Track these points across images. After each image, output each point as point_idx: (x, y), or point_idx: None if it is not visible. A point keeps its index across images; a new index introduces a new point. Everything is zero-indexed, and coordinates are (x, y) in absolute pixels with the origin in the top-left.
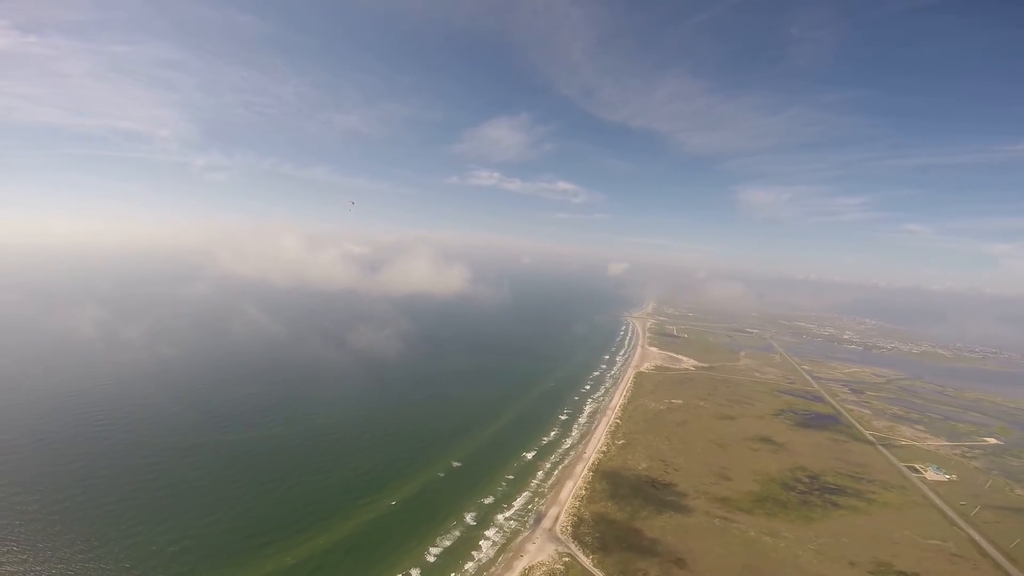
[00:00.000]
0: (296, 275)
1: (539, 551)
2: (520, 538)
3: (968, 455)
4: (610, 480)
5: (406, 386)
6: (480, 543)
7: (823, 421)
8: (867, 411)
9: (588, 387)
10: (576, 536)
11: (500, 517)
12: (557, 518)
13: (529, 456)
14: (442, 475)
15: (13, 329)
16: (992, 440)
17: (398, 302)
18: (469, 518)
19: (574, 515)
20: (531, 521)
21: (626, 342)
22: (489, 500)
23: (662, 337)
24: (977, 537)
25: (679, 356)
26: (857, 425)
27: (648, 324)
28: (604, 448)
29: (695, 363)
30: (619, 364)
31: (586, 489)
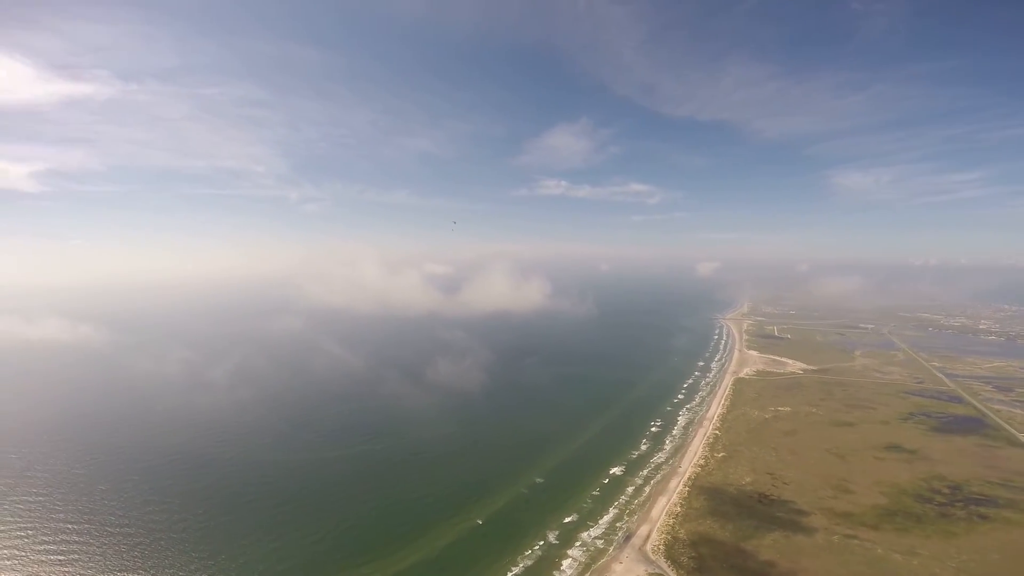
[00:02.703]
0: (380, 300)
1: (626, 572)
2: (605, 558)
3: None
4: (709, 496)
5: (489, 403)
6: (562, 563)
7: (964, 424)
8: (1020, 411)
9: (681, 396)
10: (670, 556)
11: (584, 535)
12: (648, 537)
13: (617, 471)
14: (525, 491)
15: (143, 361)
16: None
17: (479, 322)
18: (552, 537)
19: (668, 534)
20: (619, 540)
21: (721, 346)
22: (572, 518)
23: (762, 339)
24: None
25: (783, 359)
26: (1008, 427)
27: (745, 325)
28: (702, 462)
29: (803, 366)
30: (715, 371)
31: (682, 506)
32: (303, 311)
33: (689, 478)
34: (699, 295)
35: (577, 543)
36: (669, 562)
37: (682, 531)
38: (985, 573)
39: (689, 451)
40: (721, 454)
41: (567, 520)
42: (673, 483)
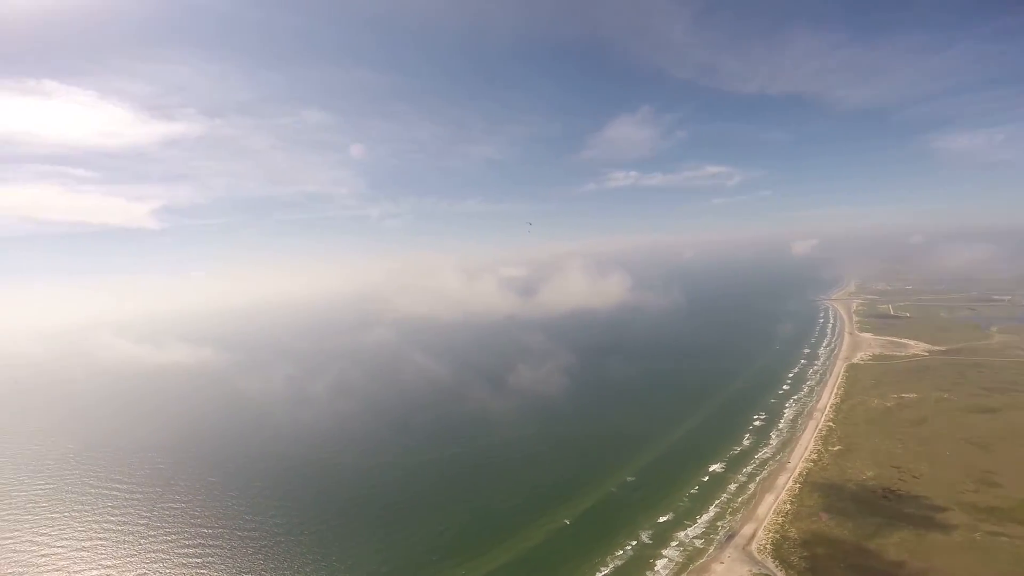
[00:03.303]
0: (461, 307)
1: (728, 572)
2: (704, 557)
3: None
4: (824, 492)
5: (573, 402)
6: (656, 563)
7: None
8: None
9: (786, 387)
10: (778, 556)
11: (681, 535)
12: (753, 536)
13: (717, 468)
14: (615, 491)
15: (255, 380)
16: None
17: (558, 321)
18: (645, 536)
19: (776, 532)
20: (720, 539)
21: (829, 329)
22: (667, 517)
23: (876, 319)
24: None
25: (903, 340)
26: None
27: (854, 305)
28: (814, 456)
29: (927, 347)
30: (823, 357)
31: (792, 503)
32: (391, 323)
33: (800, 474)
34: (797, 276)
35: (673, 543)
36: (777, 562)
37: (792, 530)
38: None
39: (799, 445)
40: (837, 447)
41: (662, 519)
42: (781, 479)
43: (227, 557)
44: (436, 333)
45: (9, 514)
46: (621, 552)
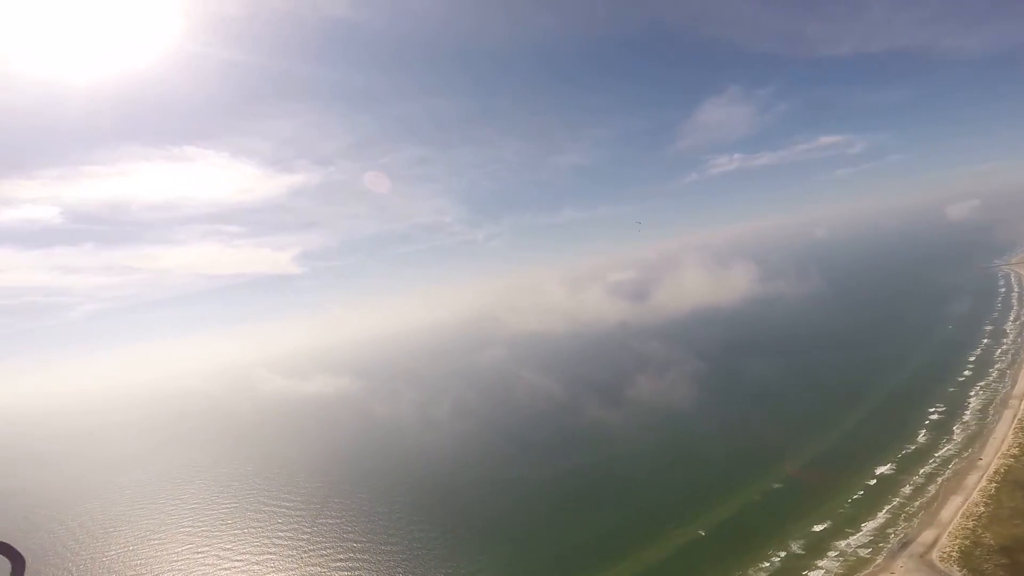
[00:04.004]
0: (570, 319)
1: None
2: (870, 567)
3: None
4: None
5: (703, 407)
6: (807, 573)
7: None
8: None
9: (968, 373)
10: (967, 564)
11: (841, 544)
12: (935, 543)
13: (885, 470)
14: (758, 499)
15: (386, 405)
16: None
17: (676, 323)
18: (795, 547)
19: (966, 538)
20: (891, 547)
21: (1014, 300)
22: (824, 526)
23: None
24: None
25: None
26: None
27: None
28: (1015, 450)
29: None
30: (1012, 335)
31: (986, 506)
32: (504, 341)
33: (996, 472)
34: (960, 243)
35: (831, 552)
36: (966, 571)
37: (987, 535)
38: None
39: (993, 439)
40: None
41: (817, 528)
42: (971, 479)
43: (371, 570)
44: (547, 348)
45: (203, 529)
46: (767, 564)
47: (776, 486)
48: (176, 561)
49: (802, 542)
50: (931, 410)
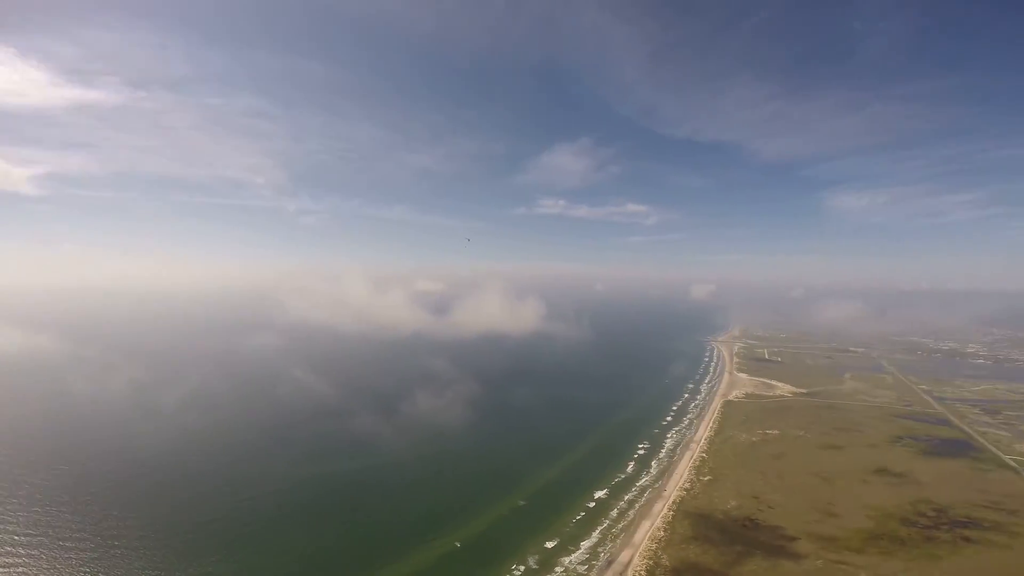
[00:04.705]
0: (365, 318)
1: None
2: None
3: None
4: (694, 520)
5: (475, 425)
6: None
7: (951, 447)
8: (1005, 433)
9: (669, 418)
10: None
11: (566, 560)
12: (630, 562)
13: (601, 494)
14: (507, 514)
15: (95, 380)
16: None
17: (468, 343)
18: (532, 561)
19: (650, 559)
20: (600, 565)
21: (712, 368)
22: (554, 542)
23: (753, 362)
24: None
25: (773, 382)
26: (993, 449)
27: (736, 348)
28: (687, 485)
29: (792, 389)
30: (704, 392)
31: (666, 530)
32: (281, 328)
33: (674, 502)
34: (693, 317)
35: (558, 568)
36: None
37: (665, 557)
38: None
39: (675, 474)
40: (707, 477)
41: (549, 545)
42: (657, 507)
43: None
44: (329, 344)
45: None
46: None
47: (521, 503)
48: None
49: (537, 556)
50: (640, 445)
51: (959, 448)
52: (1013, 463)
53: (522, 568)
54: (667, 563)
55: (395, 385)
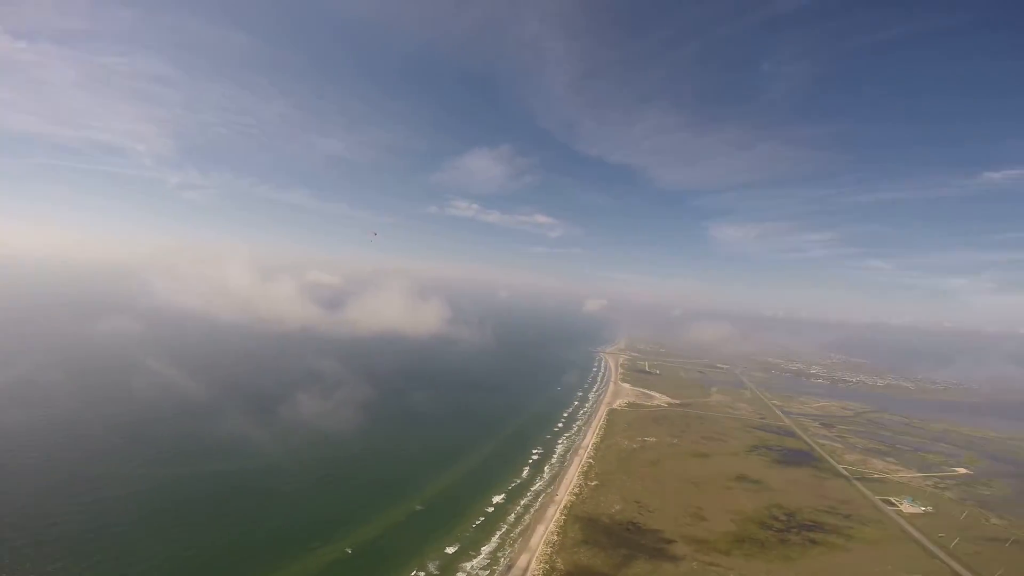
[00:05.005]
0: (247, 308)
1: None
2: None
3: (940, 486)
4: (583, 524)
5: (368, 429)
6: None
7: (797, 457)
8: (839, 445)
9: (560, 425)
10: None
11: (467, 565)
12: (528, 566)
13: (499, 499)
14: (403, 520)
15: None
16: (962, 470)
17: (363, 342)
18: (432, 567)
19: (546, 563)
20: (501, 570)
21: (599, 378)
22: (455, 548)
23: (635, 373)
24: (959, 569)
25: (651, 392)
26: (830, 459)
27: (621, 360)
28: (577, 490)
29: (668, 399)
30: (592, 401)
31: (558, 534)
32: (143, 312)
33: (565, 506)
34: (585, 330)
35: (459, 574)
36: None
37: (559, 560)
38: None
39: (566, 479)
40: (594, 482)
41: (449, 550)
42: (551, 511)
43: None
44: (201, 334)
45: None
46: None
47: (419, 508)
48: None
49: (437, 563)
50: (533, 451)
51: (803, 458)
52: (845, 472)
53: (422, 574)
54: (561, 567)
55: (276, 384)
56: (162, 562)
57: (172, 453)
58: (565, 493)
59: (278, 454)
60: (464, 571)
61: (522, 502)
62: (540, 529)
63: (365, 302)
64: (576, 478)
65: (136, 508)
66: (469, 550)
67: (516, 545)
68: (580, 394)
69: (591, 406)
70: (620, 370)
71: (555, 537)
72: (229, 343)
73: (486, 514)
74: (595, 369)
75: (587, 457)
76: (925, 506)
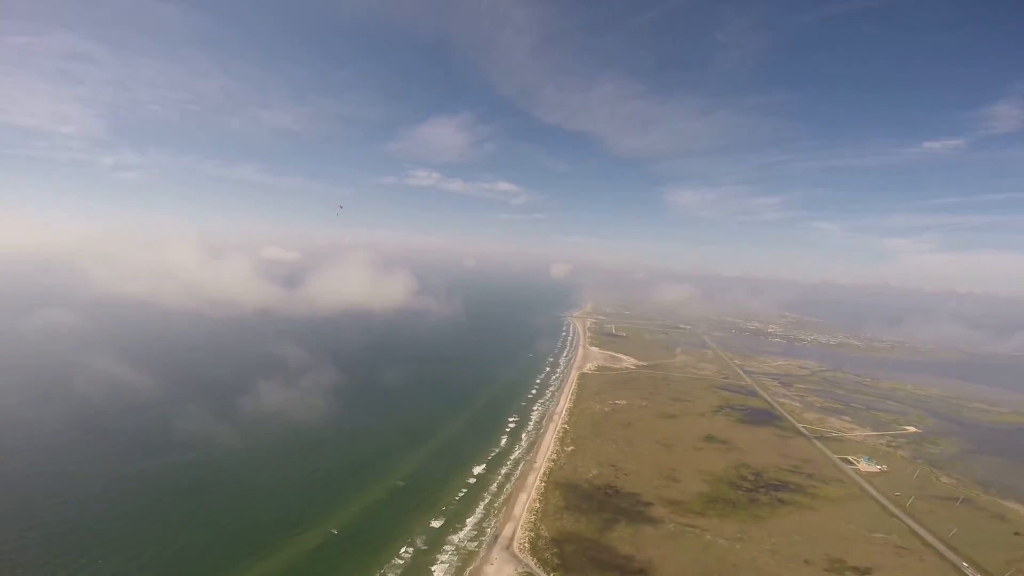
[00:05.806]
0: (196, 292)
1: (498, 573)
2: (477, 560)
3: (893, 444)
4: (563, 490)
5: (342, 406)
6: (433, 568)
7: (760, 416)
8: (797, 404)
9: (534, 392)
10: (535, 553)
11: (454, 538)
12: (514, 535)
13: (480, 470)
14: (386, 497)
15: None
16: (912, 428)
17: (327, 320)
18: (420, 542)
19: (531, 531)
20: (487, 540)
21: (568, 342)
22: (440, 522)
23: (602, 336)
24: (917, 528)
25: (619, 355)
26: (790, 419)
27: (588, 323)
28: (554, 456)
29: (635, 362)
30: (563, 366)
31: (540, 502)
32: (80, 304)
33: (544, 473)
34: (553, 294)
35: (448, 547)
36: (536, 560)
37: (543, 527)
38: (792, 554)
39: (543, 446)
40: (570, 448)
41: (435, 524)
42: (531, 479)
43: None
44: (149, 323)
45: None
46: (400, 561)
47: (400, 483)
48: None
49: (424, 537)
50: (510, 419)
51: (766, 417)
52: (805, 431)
53: (411, 550)
54: (546, 534)
55: (235, 372)
56: (154, 557)
57: (132, 448)
58: (544, 460)
59: (247, 444)
60: (452, 544)
61: (502, 471)
62: (522, 497)
63: (326, 277)
64: (553, 444)
65: (113, 505)
66: (455, 523)
67: (500, 515)
68: (551, 359)
69: (562, 371)
70: (588, 334)
71: (537, 505)
72: (180, 331)
73: (468, 485)
74: (564, 333)
75: (562, 423)
76: (880, 464)
